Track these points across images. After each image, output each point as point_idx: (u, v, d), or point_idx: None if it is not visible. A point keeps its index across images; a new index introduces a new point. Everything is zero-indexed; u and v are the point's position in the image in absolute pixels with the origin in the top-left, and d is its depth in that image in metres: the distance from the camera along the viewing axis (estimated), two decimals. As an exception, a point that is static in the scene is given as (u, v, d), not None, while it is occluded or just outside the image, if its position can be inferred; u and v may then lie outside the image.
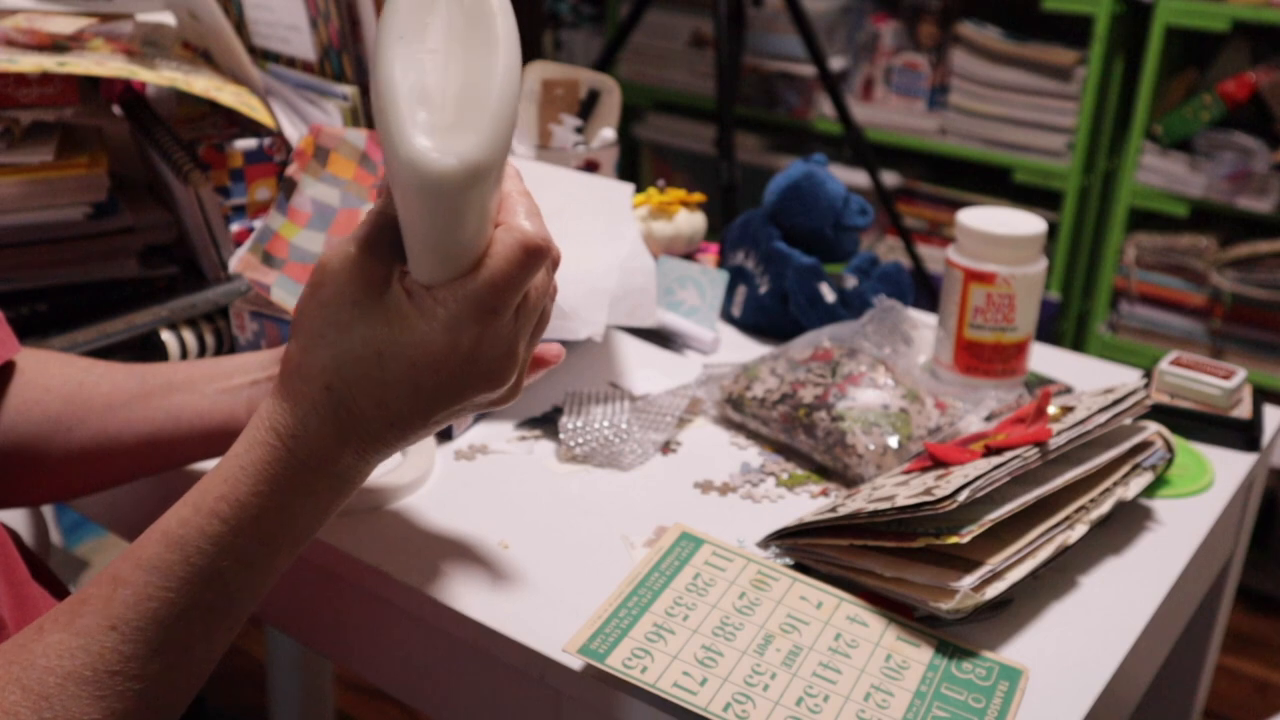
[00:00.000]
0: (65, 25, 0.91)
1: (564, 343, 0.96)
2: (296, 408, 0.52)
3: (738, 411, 0.87)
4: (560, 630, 0.63)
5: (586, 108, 1.12)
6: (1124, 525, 0.77)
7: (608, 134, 1.08)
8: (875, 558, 0.67)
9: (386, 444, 0.54)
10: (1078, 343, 2.36)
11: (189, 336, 0.89)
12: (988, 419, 0.85)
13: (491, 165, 0.49)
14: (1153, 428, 0.78)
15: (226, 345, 0.91)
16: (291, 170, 0.87)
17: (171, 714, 0.53)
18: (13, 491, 0.71)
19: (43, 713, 0.48)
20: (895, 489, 0.69)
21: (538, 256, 0.52)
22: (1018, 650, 0.65)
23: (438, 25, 0.50)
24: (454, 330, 0.51)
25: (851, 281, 1.00)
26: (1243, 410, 0.89)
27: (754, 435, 0.87)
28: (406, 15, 0.50)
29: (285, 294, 0.82)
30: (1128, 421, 0.76)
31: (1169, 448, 0.78)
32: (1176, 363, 0.92)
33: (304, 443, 0.52)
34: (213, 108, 1.00)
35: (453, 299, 0.51)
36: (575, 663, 0.62)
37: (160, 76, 0.87)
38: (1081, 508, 0.71)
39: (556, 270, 0.57)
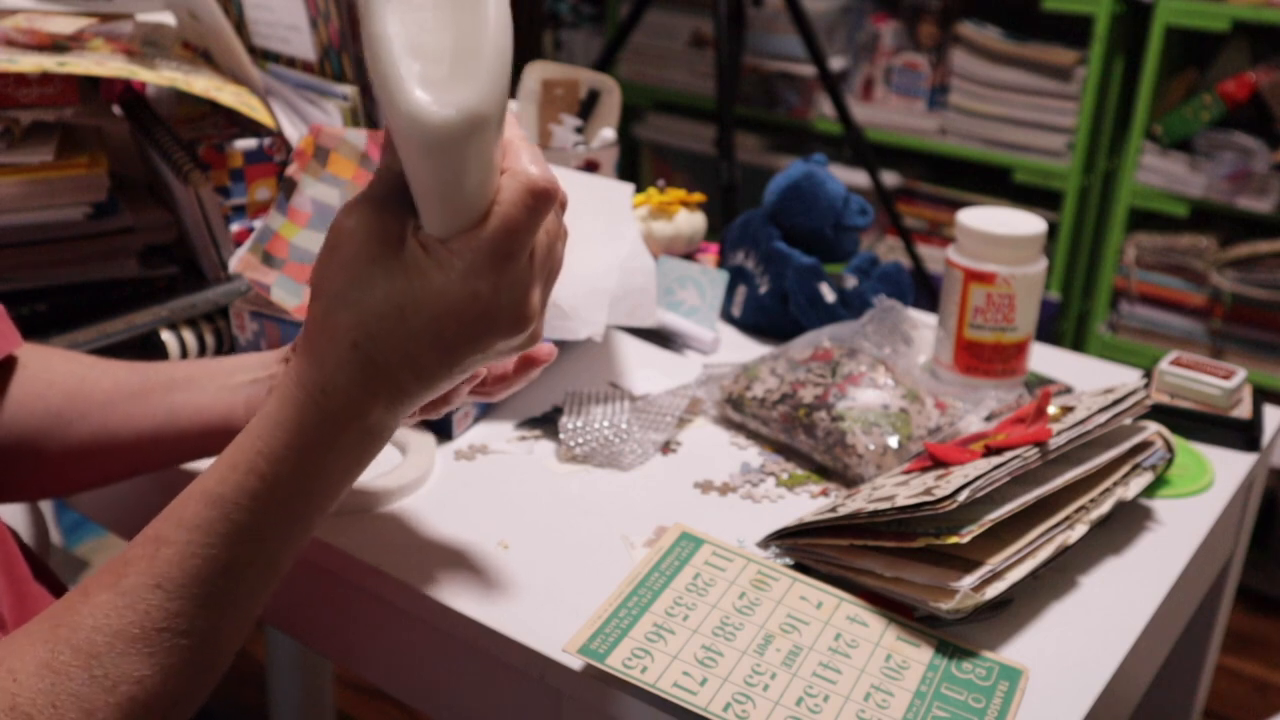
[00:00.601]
0: (65, 25, 0.91)
1: (564, 343, 0.97)
2: (324, 366, 0.53)
3: (738, 411, 0.87)
4: (560, 630, 0.63)
5: (586, 108, 1.12)
6: (1124, 525, 0.77)
7: (608, 134, 1.08)
8: (875, 558, 0.67)
9: (413, 395, 0.55)
10: (1078, 343, 2.36)
11: (189, 336, 0.89)
12: (988, 419, 0.85)
13: (492, 113, 0.49)
14: (1153, 428, 0.78)
15: (226, 345, 0.91)
16: (291, 170, 0.87)
17: (219, 667, 0.55)
18: (12, 485, 0.71)
19: (93, 670, 0.49)
20: (895, 489, 0.69)
21: (546, 199, 0.52)
22: (1018, 650, 0.65)
23: None
24: (472, 280, 0.52)
25: (851, 281, 1.00)
26: (1243, 410, 0.89)
27: (754, 435, 0.87)
28: None
29: (285, 294, 0.82)
30: (1128, 421, 0.76)
31: (1169, 448, 0.78)
32: (1176, 363, 0.92)
33: (334, 399, 0.53)
34: (213, 108, 1.00)
35: (468, 249, 0.52)
36: (575, 663, 0.62)
37: (160, 76, 0.87)
38: (1081, 508, 0.71)
39: (565, 212, 0.57)
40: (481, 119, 0.49)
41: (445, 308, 0.52)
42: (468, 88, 0.49)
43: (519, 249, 0.52)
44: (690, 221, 1.08)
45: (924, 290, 2.12)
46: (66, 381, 0.70)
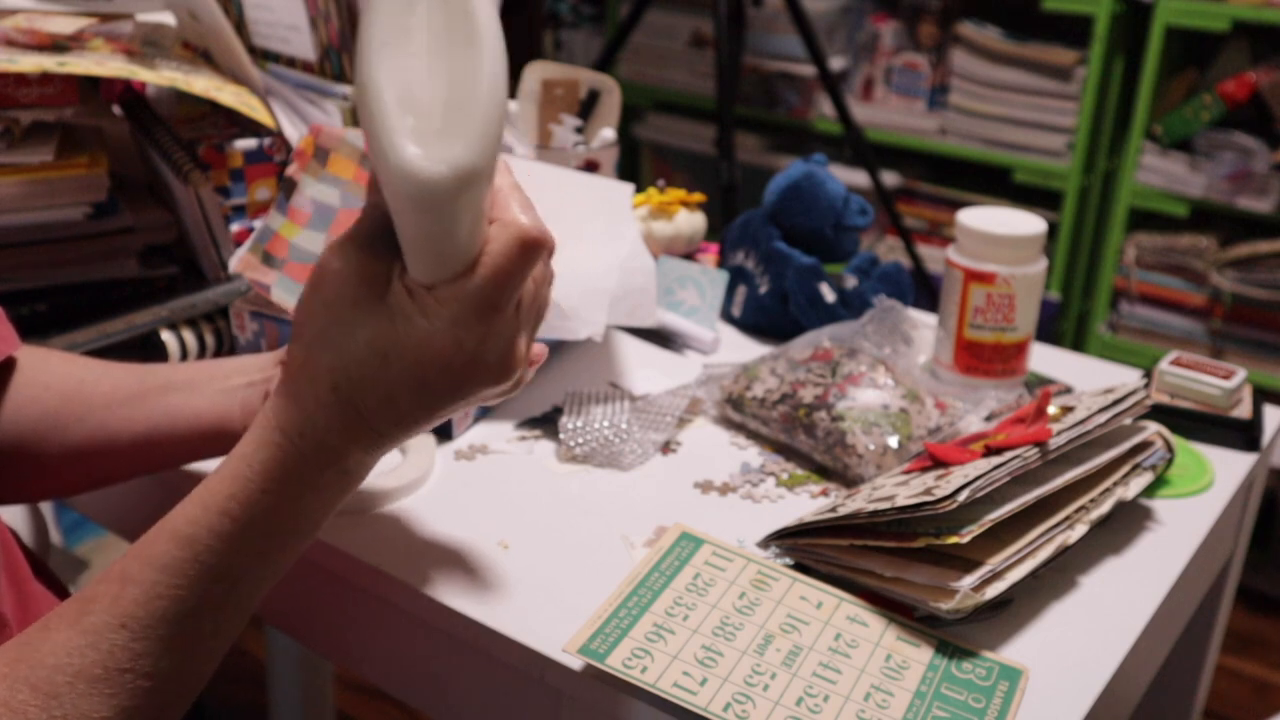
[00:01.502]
0: (65, 25, 0.91)
1: (564, 343, 0.97)
2: (303, 407, 0.53)
3: (738, 411, 0.87)
4: (560, 630, 0.63)
5: (586, 108, 1.12)
6: (1124, 525, 0.77)
7: (608, 134, 1.08)
8: (875, 558, 0.67)
9: (392, 439, 0.55)
10: (1078, 343, 2.36)
11: (189, 336, 0.89)
12: (988, 419, 0.85)
13: (482, 169, 0.49)
14: (1153, 428, 0.78)
15: (226, 345, 0.91)
16: (291, 170, 0.87)
17: (181, 708, 0.54)
18: (10, 487, 0.71)
19: (52, 711, 0.48)
20: (895, 489, 0.69)
21: (535, 250, 0.52)
22: (1018, 650, 0.65)
23: (419, 28, 0.50)
24: (458, 330, 0.51)
25: (851, 281, 1.00)
26: (1243, 410, 0.89)
27: (754, 435, 0.87)
28: (387, 19, 0.50)
29: (285, 294, 0.82)
30: (1128, 421, 0.76)
31: (1169, 448, 0.78)
32: (1176, 363, 0.92)
33: (312, 441, 0.53)
34: (213, 108, 1.00)
35: (454, 299, 0.51)
36: (575, 663, 0.62)
37: (160, 76, 0.87)
38: (1081, 508, 0.71)
39: (552, 258, 0.57)
40: (473, 174, 0.49)
41: (429, 356, 0.52)
42: (459, 143, 0.48)
43: (506, 300, 0.52)
44: (690, 221, 1.08)
45: (924, 290, 2.12)
46: (64, 384, 0.70)
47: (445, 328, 0.51)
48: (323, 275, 0.52)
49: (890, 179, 2.31)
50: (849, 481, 0.81)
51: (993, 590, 0.63)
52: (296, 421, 0.53)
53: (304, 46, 1.01)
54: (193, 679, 0.53)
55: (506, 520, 0.75)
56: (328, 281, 0.52)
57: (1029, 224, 0.89)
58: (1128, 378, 0.98)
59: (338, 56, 0.98)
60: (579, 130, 1.09)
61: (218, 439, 0.69)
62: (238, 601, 0.54)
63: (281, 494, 0.53)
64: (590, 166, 1.05)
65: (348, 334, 0.52)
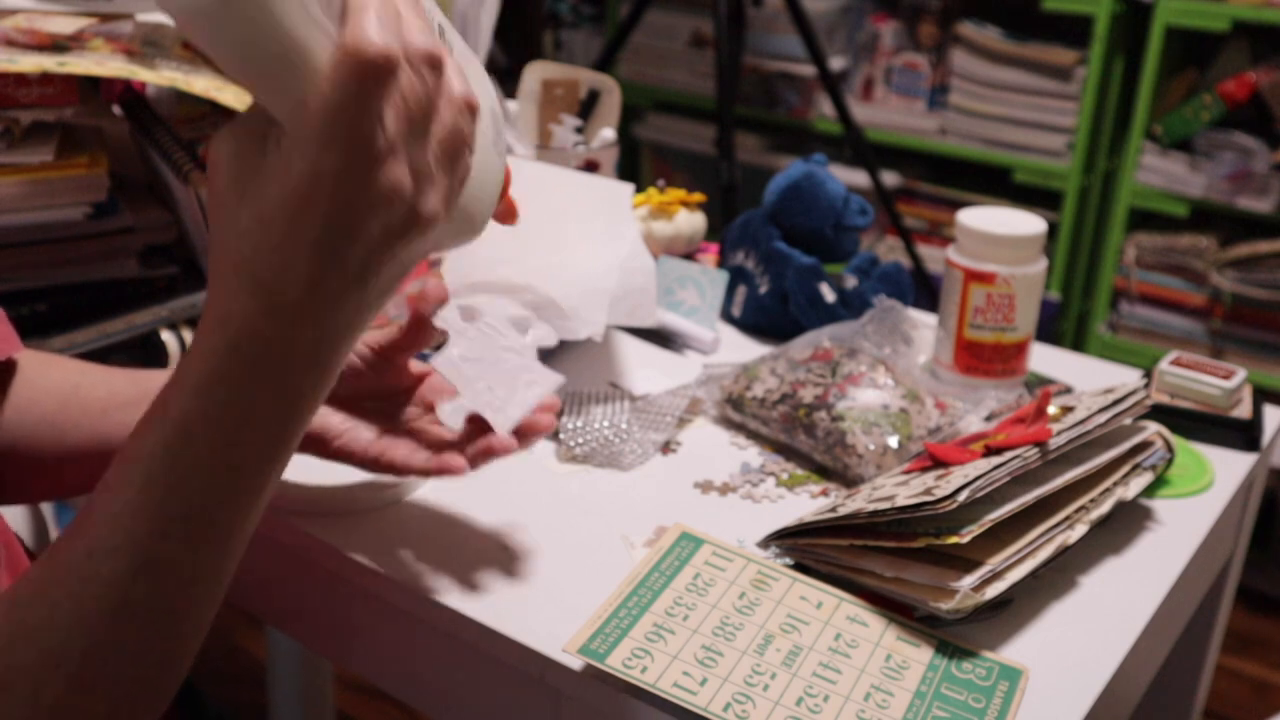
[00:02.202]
0: (65, 25, 0.91)
1: (564, 343, 0.97)
2: (220, 295, 0.50)
3: (738, 411, 0.87)
4: (560, 630, 0.63)
5: (586, 108, 1.12)
6: (1124, 525, 0.77)
7: (608, 134, 1.08)
8: (875, 558, 0.67)
9: (317, 310, 0.50)
10: (1078, 343, 2.36)
11: (189, 336, 0.89)
12: (988, 419, 0.85)
13: None
14: (1153, 428, 0.78)
15: (226, 345, 0.91)
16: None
17: (181, 648, 0.53)
18: (8, 489, 0.71)
19: (52, 669, 0.49)
20: (895, 489, 0.69)
21: (376, 74, 0.45)
22: (1018, 650, 0.65)
23: None
24: (312, 164, 0.47)
25: (851, 281, 1.00)
26: (1243, 410, 0.89)
27: (754, 435, 0.87)
28: None
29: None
30: (1128, 421, 0.76)
31: (1169, 448, 0.78)
32: (1176, 363, 0.92)
33: (235, 328, 0.50)
34: (213, 108, 1.00)
35: (303, 139, 0.47)
36: (575, 663, 0.62)
37: (160, 76, 0.87)
38: (1081, 508, 0.71)
39: (441, 69, 0.49)
40: None
41: (295, 201, 0.47)
42: None
43: (357, 130, 0.46)
44: (690, 221, 1.08)
45: (924, 290, 2.12)
46: (62, 388, 0.70)
47: (299, 170, 0.47)
48: (209, 167, 0.50)
49: (890, 179, 2.31)
50: (849, 481, 0.81)
51: (993, 590, 0.63)
52: (218, 312, 0.50)
53: (304, 46, 1.00)
54: (181, 606, 0.52)
55: (506, 520, 0.75)
56: (210, 170, 0.50)
57: (1029, 224, 0.89)
58: (1128, 378, 0.98)
59: (338, 56, 0.98)
60: (579, 130, 1.09)
61: None
62: (204, 515, 0.51)
63: (220, 388, 0.50)
64: (590, 166, 1.05)
65: (232, 215, 0.49)
